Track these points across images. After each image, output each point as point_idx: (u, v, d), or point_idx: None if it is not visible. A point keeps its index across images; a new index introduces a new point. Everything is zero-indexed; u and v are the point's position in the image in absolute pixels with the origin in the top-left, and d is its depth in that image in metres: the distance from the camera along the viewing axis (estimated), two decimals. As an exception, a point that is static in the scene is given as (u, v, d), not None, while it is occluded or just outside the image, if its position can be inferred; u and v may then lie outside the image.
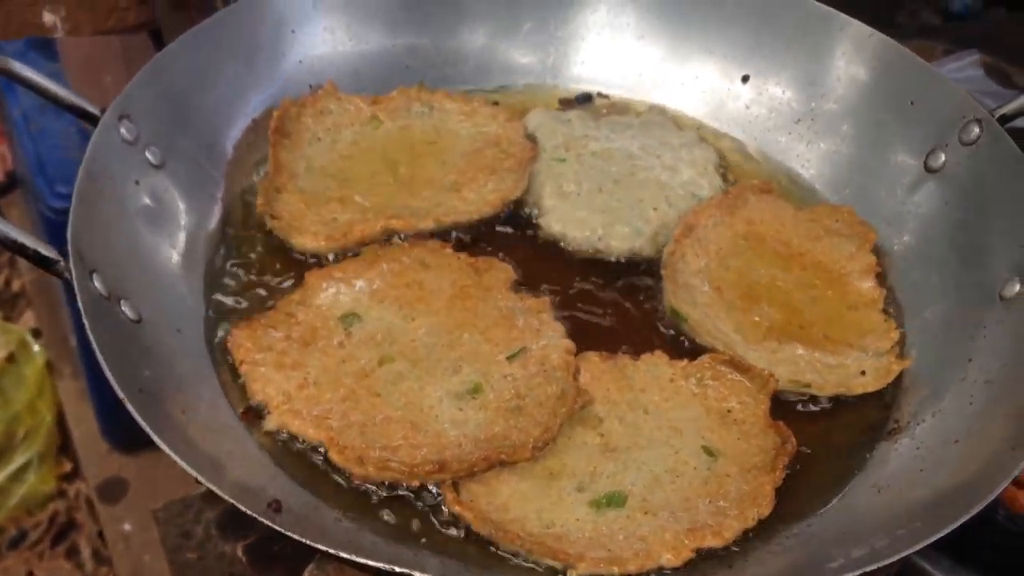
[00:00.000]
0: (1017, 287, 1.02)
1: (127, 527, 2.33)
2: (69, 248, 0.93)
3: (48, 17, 1.52)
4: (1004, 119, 1.12)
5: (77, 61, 2.59)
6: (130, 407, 0.82)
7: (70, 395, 2.78)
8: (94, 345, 0.86)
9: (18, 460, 2.96)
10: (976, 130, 1.13)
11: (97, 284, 0.93)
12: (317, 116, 1.25)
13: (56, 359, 3.45)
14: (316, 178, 1.20)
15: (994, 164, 1.10)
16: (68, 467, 3.00)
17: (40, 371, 3.13)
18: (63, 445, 2.99)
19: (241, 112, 1.22)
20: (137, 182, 1.08)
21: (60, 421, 3.00)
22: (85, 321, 0.89)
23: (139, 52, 2.26)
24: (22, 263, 3.89)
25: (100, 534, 2.42)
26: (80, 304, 0.89)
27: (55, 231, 2.69)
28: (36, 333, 3.64)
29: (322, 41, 1.31)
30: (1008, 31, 2.85)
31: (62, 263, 0.92)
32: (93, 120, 1.06)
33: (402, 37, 1.33)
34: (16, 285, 3.99)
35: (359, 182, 1.20)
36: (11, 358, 3.28)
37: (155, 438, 0.81)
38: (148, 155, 1.10)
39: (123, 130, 1.07)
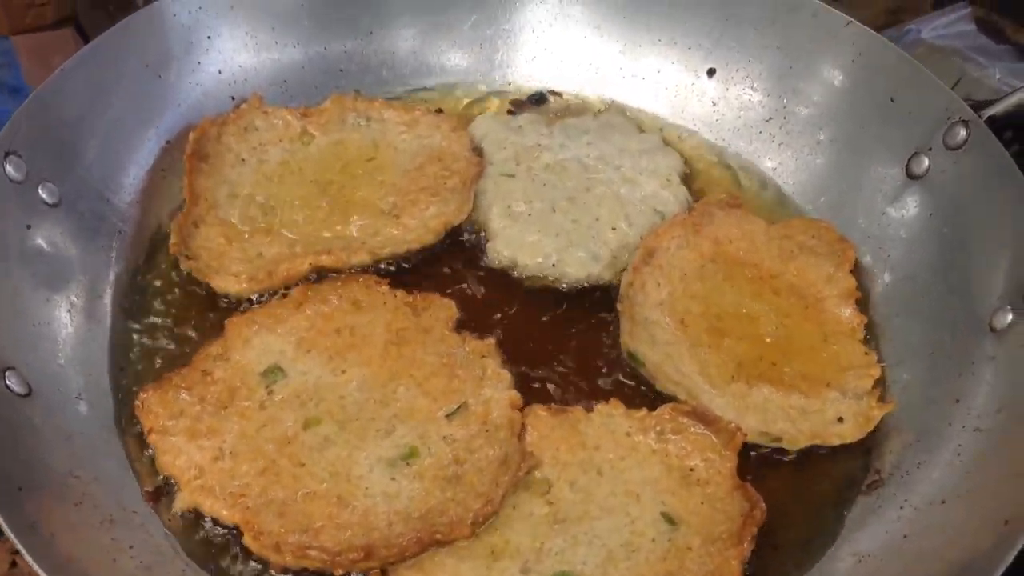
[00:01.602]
0: (1009, 317, 0.92)
1: None
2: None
3: (-42, 18, 1.39)
4: (993, 121, 1.00)
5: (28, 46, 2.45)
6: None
7: None
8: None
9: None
10: (962, 132, 1.01)
11: (-26, 358, 0.83)
12: (240, 134, 1.13)
13: None
14: (239, 207, 1.08)
15: (981, 173, 0.99)
16: None
17: None
18: None
19: (150, 134, 1.10)
20: (29, 226, 0.96)
21: None
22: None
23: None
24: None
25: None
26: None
27: None
28: None
29: (243, 47, 1.18)
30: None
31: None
32: (-27, 160, 0.94)
33: (332, 39, 1.21)
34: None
35: (287, 209, 1.09)
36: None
37: (20, 547, 0.71)
38: (42, 193, 0.98)
39: (10, 168, 0.95)
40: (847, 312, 1.01)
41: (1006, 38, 2.27)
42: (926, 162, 1.04)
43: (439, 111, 1.19)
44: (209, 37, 1.16)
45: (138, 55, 1.09)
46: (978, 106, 1.05)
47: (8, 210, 0.94)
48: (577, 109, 1.24)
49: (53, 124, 1.01)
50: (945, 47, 2.14)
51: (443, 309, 1.02)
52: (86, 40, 1.55)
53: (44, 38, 1.80)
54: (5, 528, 0.73)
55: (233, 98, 1.17)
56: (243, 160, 1.12)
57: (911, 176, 1.06)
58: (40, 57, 2.41)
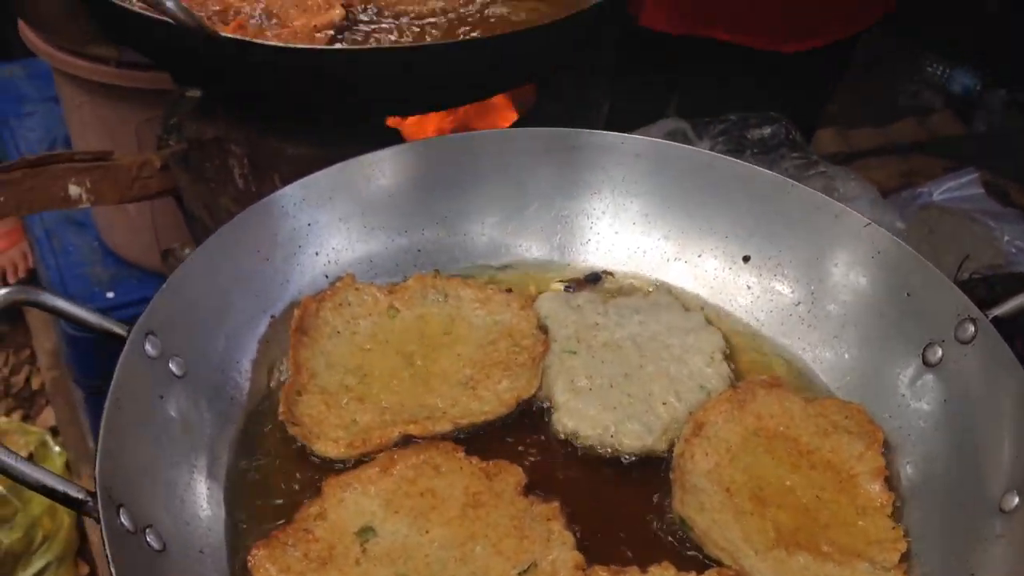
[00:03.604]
0: (1016, 500, 1.04)
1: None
2: (97, 487, 0.96)
3: (73, 189, 1.58)
4: (998, 321, 1.15)
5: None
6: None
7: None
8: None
9: (37, 564, 2.99)
10: (971, 329, 1.16)
11: (124, 520, 0.97)
12: (336, 309, 1.30)
13: (75, 460, 3.49)
14: (336, 375, 1.24)
15: (987, 368, 1.13)
16: (86, 570, 3.02)
17: (59, 472, 3.15)
18: (81, 549, 3.02)
19: (261, 311, 1.27)
20: (162, 396, 1.12)
21: (78, 524, 3.03)
22: (110, 562, 0.92)
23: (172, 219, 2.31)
24: (42, 361, 3.95)
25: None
26: (105, 543, 0.92)
27: (75, 346, 2.75)
28: (55, 432, 3.68)
29: (337, 231, 1.35)
30: (1011, 145, 2.90)
31: (90, 502, 0.96)
32: (121, 340, 1.10)
33: (414, 227, 1.38)
34: (35, 383, 4.04)
35: (378, 378, 1.24)
36: (31, 458, 3.30)
37: None
38: (172, 366, 1.14)
39: (148, 346, 1.11)
40: (876, 488, 1.14)
41: (1012, 202, 2.46)
42: (940, 352, 1.19)
43: (509, 290, 1.35)
44: (309, 224, 1.33)
45: (251, 243, 1.27)
46: (984, 304, 1.20)
47: (146, 383, 1.10)
48: (629, 289, 1.40)
49: (181, 306, 1.17)
50: (955, 209, 2.33)
51: (512, 475, 1.16)
52: (182, 208, 1.74)
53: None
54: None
55: (327, 276, 1.34)
56: (338, 332, 1.28)
57: (927, 364, 1.20)
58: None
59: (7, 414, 3.85)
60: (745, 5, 2.34)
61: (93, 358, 2.76)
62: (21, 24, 2.48)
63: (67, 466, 3.38)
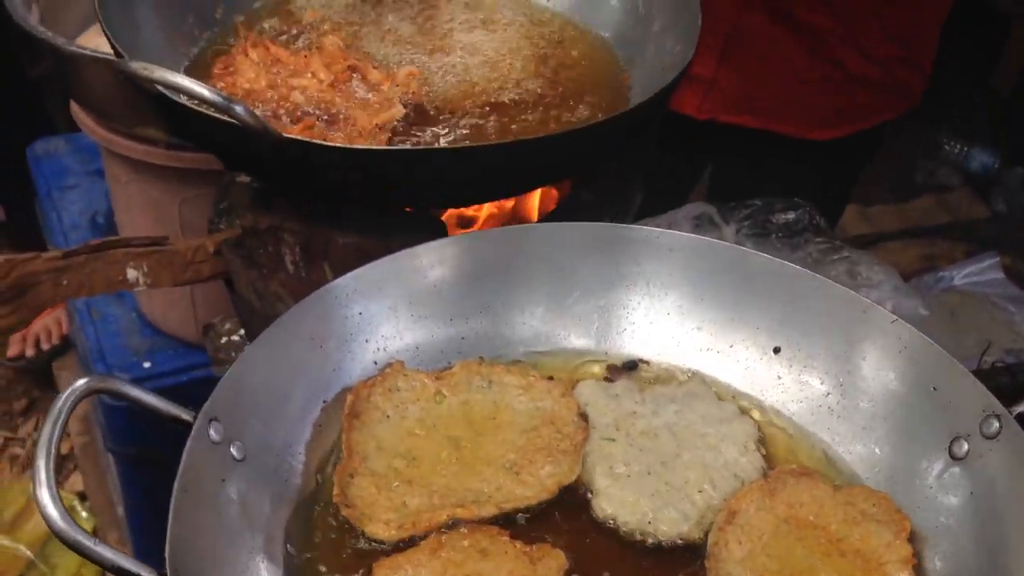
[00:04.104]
0: (1040, 593, 1.09)
1: None
2: (168, 569, 1.02)
3: (131, 273, 1.66)
4: (1021, 418, 1.20)
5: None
6: None
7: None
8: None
9: (66, 630, 3.02)
10: (996, 424, 1.21)
11: (191, 601, 1.03)
12: (386, 394, 1.36)
13: (103, 524, 3.54)
14: (386, 458, 1.30)
15: (1012, 463, 1.18)
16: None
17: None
18: (109, 615, 3.02)
19: (315, 396, 1.33)
20: (223, 479, 1.18)
21: (107, 590, 3.04)
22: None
23: (211, 293, 2.40)
24: (72, 426, 4.02)
25: None
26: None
27: (110, 415, 2.81)
28: (83, 497, 3.73)
29: (386, 319, 1.42)
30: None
31: (161, 585, 1.02)
32: (188, 426, 1.17)
33: (460, 317, 1.45)
34: (64, 447, 4.10)
35: (426, 462, 1.30)
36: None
37: None
38: (232, 450, 1.20)
39: (212, 431, 1.18)
40: (904, 577, 1.19)
41: (1031, 286, 2.51)
42: (966, 446, 1.24)
43: (550, 378, 1.41)
44: (360, 313, 1.40)
45: (307, 332, 1.34)
46: (1008, 391, 1.26)
47: (210, 467, 1.16)
48: (665, 377, 1.45)
49: (242, 393, 1.24)
50: (976, 293, 2.39)
51: (555, 559, 1.21)
52: (231, 289, 1.82)
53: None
54: None
55: (376, 363, 1.40)
56: (388, 417, 1.35)
57: (954, 458, 1.25)
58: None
59: (36, 478, 3.89)
60: (775, 97, 2.44)
61: (127, 427, 2.83)
62: (73, 105, 2.59)
63: (95, 530, 3.43)
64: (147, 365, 2.80)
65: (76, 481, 3.79)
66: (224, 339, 2.22)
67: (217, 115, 1.34)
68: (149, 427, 2.81)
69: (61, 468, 3.93)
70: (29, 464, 3.85)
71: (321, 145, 1.35)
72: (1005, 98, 4.73)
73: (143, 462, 2.84)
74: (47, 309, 3.50)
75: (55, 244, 3.15)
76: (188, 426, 1.17)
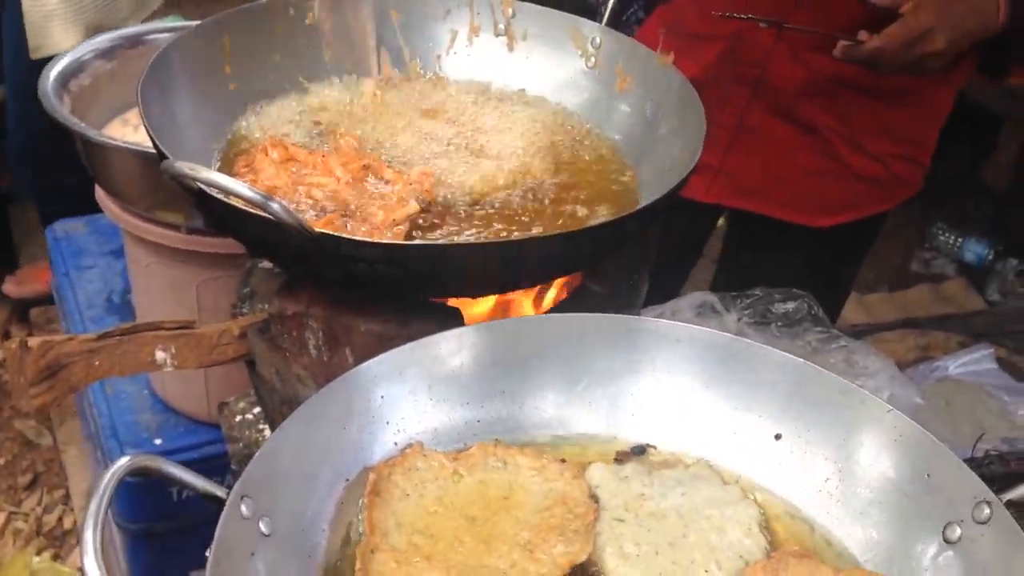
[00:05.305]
0: (1033, 676, 1.15)
1: None
2: (204, 639, 1.08)
3: (160, 355, 1.73)
4: (1011, 504, 1.27)
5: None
6: None
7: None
8: None
9: None
10: (987, 511, 1.28)
11: (225, 671, 1.08)
12: (406, 473, 1.42)
13: (105, 601, 3.52)
14: (406, 535, 1.36)
15: (1002, 547, 1.24)
16: None
17: (87, 614, 3.21)
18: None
19: (338, 475, 1.40)
20: (252, 553, 1.24)
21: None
22: None
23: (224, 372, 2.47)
24: (76, 501, 4.05)
25: None
26: None
27: (121, 491, 2.85)
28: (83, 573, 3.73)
29: (406, 402, 1.49)
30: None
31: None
32: (221, 502, 1.23)
33: (476, 401, 1.52)
34: (68, 522, 4.13)
35: (444, 538, 1.36)
36: (61, 597, 3.38)
37: None
38: (261, 526, 1.26)
39: (243, 507, 1.24)
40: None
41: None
42: (959, 531, 1.30)
43: (563, 460, 1.48)
44: (382, 397, 1.47)
45: (332, 413, 1.41)
46: (1000, 480, 1.33)
47: (241, 542, 1.22)
48: (672, 461, 1.52)
49: (272, 471, 1.30)
50: (971, 383, 2.47)
51: (569, 635, 1.26)
52: (252, 372, 1.89)
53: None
54: None
55: (396, 444, 1.47)
56: (407, 495, 1.41)
57: (947, 542, 1.31)
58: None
59: (38, 553, 3.93)
60: (779, 185, 2.55)
61: (135, 503, 2.87)
62: (98, 189, 2.70)
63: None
64: (158, 442, 2.86)
65: (78, 556, 3.80)
66: (238, 417, 2.28)
67: (252, 210, 1.43)
68: (155, 503, 2.86)
69: (64, 543, 3.95)
70: (32, 538, 3.88)
71: (352, 240, 1.44)
72: (998, 195, 4.87)
73: (149, 536, 2.88)
74: (79, 389, 3.58)
75: (71, 321, 3.24)
76: (220, 502, 1.23)
